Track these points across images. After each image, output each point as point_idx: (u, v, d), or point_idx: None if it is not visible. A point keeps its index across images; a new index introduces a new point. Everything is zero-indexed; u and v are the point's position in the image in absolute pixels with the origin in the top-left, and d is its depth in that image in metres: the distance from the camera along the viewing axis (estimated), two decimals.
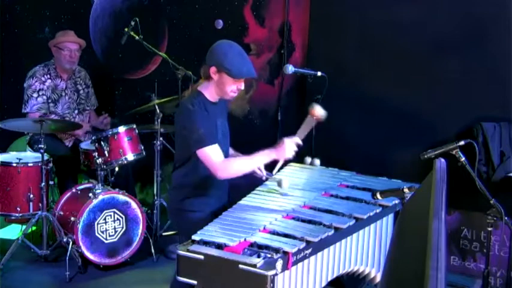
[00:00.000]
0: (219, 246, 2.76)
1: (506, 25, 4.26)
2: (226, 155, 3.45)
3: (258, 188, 3.44)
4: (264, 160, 3.31)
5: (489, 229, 3.40)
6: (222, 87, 3.29)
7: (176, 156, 3.44)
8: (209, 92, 3.35)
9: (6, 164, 4.47)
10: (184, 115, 3.31)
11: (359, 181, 3.60)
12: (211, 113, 3.32)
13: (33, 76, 5.02)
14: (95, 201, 4.34)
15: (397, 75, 4.67)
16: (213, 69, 3.26)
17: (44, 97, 5.00)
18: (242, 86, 3.33)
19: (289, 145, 3.25)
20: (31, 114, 4.94)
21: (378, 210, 3.27)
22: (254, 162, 3.31)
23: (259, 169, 3.46)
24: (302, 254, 2.78)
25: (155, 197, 4.93)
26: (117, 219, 4.44)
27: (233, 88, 3.29)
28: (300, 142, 3.31)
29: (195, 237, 2.83)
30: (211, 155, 3.22)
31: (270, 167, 4.32)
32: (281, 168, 3.56)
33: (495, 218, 3.28)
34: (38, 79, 5.00)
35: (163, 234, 4.88)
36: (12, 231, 4.99)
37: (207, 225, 2.97)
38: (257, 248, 2.75)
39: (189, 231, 2.90)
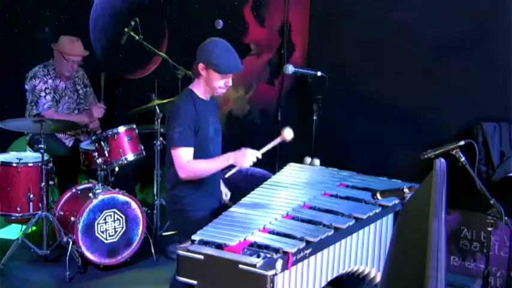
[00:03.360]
0: (219, 246, 2.76)
1: (506, 25, 4.26)
2: (218, 152, 3.46)
3: (258, 188, 3.44)
4: (222, 164, 3.26)
5: (489, 229, 3.41)
6: (210, 84, 3.33)
7: (167, 156, 3.43)
8: (199, 89, 3.39)
9: (6, 164, 4.47)
10: (171, 112, 3.35)
11: (359, 181, 3.61)
12: (202, 110, 3.35)
13: (35, 77, 5.00)
14: (95, 201, 4.34)
15: (397, 75, 4.66)
16: (201, 66, 3.32)
17: (51, 95, 5.01)
18: (230, 82, 3.35)
19: (250, 156, 3.20)
20: (44, 113, 4.92)
21: (377, 210, 3.27)
22: (214, 165, 3.28)
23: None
24: (302, 254, 2.78)
25: (155, 197, 4.92)
26: (117, 219, 4.44)
27: (221, 84, 3.32)
28: (260, 156, 3.24)
29: (194, 237, 2.83)
30: (183, 156, 3.26)
31: (270, 167, 4.33)
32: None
33: (495, 218, 3.28)
34: (41, 79, 4.99)
35: (163, 234, 4.88)
36: (12, 231, 4.99)
37: (201, 222, 2.98)
38: (257, 248, 2.75)
39: (185, 229, 2.91)
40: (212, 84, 3.33)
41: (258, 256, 2.68)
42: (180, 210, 3.39)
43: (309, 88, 4.65)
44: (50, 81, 5.02)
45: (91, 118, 5.05)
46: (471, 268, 4.32)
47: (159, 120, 4.76)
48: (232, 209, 3.17)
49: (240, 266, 2.61)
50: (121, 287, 4.30)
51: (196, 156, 3.30)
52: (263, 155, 3.27)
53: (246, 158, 3.18)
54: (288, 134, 3.34)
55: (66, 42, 5.04)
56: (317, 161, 3.86)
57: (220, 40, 3.39)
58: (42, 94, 4.98)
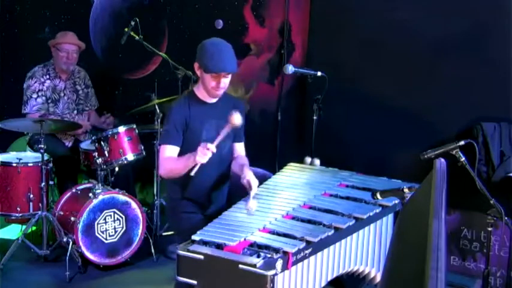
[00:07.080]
0: (219, 246, 2.76)
1: (506, 25, 4.26)
2: (221, 157, 3.40)
3: (258, 188, 3.43)
4: (187, 163, 3.15)
5: (489, 229, 3.41)
6: (203, 84, 3.30)
7: None
8: (200, 90, 3.36)
9: (6, 164, 4.47)
10: (167, 113, 3.37)
11: (359, 181, 3.60)
12: (198, 112, 3.31)
13: (32, 77, 5.02)
14: (95, 201, 4.34)
15: (397, 75, 4.66)
16: (196, 65, 3.29)
17: (43, 98, 5.00)
18: (223, 83, 3.26)
19: (203, 151, 3.07)
20: (31, 115, 4.95)
21: (377, 210, 3.27)
22: (181, 163, 3.20)
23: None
24: (302, 254, 2.78)
25: (155, 197, 4.93)
26: (117, 219, 4.44)
27: (212, 84, 3.26)
28: (214, 150, 3.11)
29: (194, 237, 2.83)
30: (162, 152, 3.29)
31: (270, 167, 4.32)
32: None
33: (495, 218, 3.28)
34: (37, 79, 5.00)
35: (163, 234, 4.88)
36: (12, 231, 4.99)
37: (198, 225, 2.98)
38: (257, 248, 2.75)
39: (180, 230, 2.90)
40: (205, 85, 3.29)
41: (258, 256, 2.68)
42: (173, 210, 3.41)
43: (309, 88, 4.65)
44: (47, 81, 5.02)
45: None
46: (471, 268, 4.32)
47: (159, 120, 4.75)
48: (232, 209, 3.17)
49: (240, 266, 2.61)
50: (121, 287, 4.30)
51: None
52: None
53: (201, 154, 3.07)
54: (236, 119, 3.14)
55: (59, 34, 5.12)
56: (317, 161, 3.86)
57: (218, 40, 3.32)
58: (34, 96, 4.98)
